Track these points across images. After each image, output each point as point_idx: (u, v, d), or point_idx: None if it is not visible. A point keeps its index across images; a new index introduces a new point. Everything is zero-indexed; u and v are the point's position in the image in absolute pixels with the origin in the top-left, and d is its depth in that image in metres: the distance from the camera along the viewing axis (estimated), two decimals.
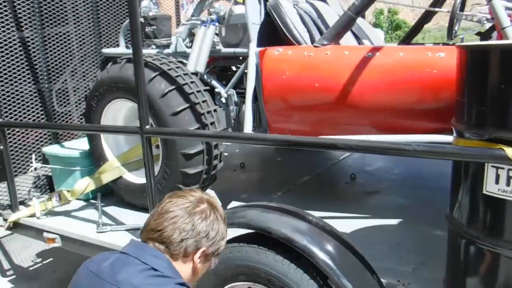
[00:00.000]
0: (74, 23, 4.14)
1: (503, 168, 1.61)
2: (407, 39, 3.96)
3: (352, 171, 3.91)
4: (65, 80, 4.12)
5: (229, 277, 2.20)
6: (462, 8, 3.34)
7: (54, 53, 4.00)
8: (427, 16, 3.79)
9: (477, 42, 2.07)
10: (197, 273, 1.62)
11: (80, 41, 4.21)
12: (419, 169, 3.90)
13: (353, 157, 4.43)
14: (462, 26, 3.44)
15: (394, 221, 2.92)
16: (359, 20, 3.87)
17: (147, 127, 2.57)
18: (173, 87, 3.02)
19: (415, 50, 2.68)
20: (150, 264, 1.46)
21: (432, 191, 3.36)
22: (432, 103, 2.48)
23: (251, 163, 4.53)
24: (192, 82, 3.10)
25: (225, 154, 4.83)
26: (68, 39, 4.11)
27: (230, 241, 2.28)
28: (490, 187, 1.65)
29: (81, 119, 4.18)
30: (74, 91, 4.21)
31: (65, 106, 4.14)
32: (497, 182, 1.62)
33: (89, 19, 4.26)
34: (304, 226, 2.14)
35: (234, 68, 3.83)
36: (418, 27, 3.89)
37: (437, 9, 3.68)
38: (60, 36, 4.03)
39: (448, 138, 1.97)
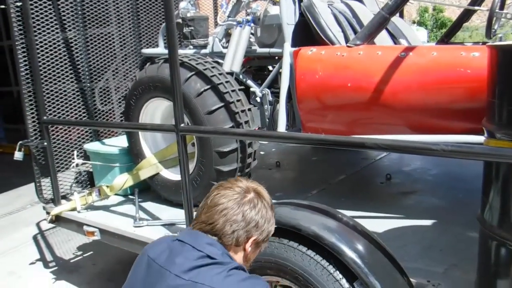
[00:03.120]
0: (117, 24, 4.28)
1: None
2: (446, 38, 3.89)
3: (388, 171, 3.88)
4: (107, 79, 4.26)
5: (258, 270, 2.24)
6: (502, 7, 3.26)
7: (97, 53, 4.14)
8: (466, 15, 3.71)
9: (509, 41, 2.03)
10: (249, 260, 1.69)
11: (122, 41, 4.34)
12: (457, 170, 3.83)
13: (389, 157, 4.39)
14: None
15: (428, 222, 2.89)
16: (396, 19, 3.85)
17: (182, 125, 2.63)
18: (209, 86, 3.09)
19: (449, 50, 2.65)
20: (205, 251, 1.52)
21: (468, 192, 3.30)
22: (465, 103, 2.44)
23: (287, 162, 4.55)
24: (227, 82, 3.16)
25: (261, 153, 4.88)
26: (111, 40, 4.25)
27: None
28: None
29: (122, 117, 4.31)
30: (116, 90, 4.35)
31: (106, 104, 4.28)
32: None
33: (130, 20, 4.39)
34: (334, 224, 2.15)
35: (270, 68, 3.87)
36: (456, 26, 3.83)
37: (476, 8, 3.61)
38: (103, 36, 4.17)
39: (479, 139, 1.95)
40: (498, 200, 1.80)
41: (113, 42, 4.28)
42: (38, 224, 5.16)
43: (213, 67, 3.20)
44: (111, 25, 4.25)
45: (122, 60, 4.35)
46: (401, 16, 4.82)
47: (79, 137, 4.09)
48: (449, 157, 1.72)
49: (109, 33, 4.21)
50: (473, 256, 2.05)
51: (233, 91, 3.15)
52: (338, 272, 2.02)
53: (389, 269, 2.07)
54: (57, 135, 3.90)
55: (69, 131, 4.02)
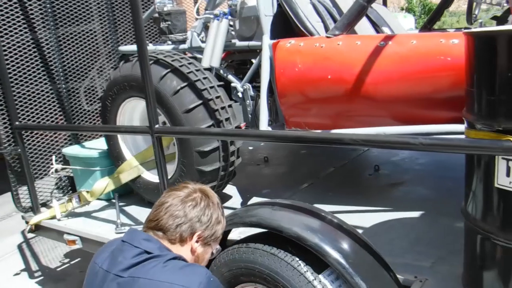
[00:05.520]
0: (99, 21, 4.16)
1: None
2: (428, 25, 3.80)
3: (376, 162, 3.81)
4: (92, 78, 4.14)
5: (233, 279, 2.17)
6: None
7: (73, 52, 4.02)
8: (448, 1, 3.62)
9: (486, 28, 1.95)
10: (199, 258, 1.74)
11: (104, 38, 4.22)
12: (446, 158, 3.75)
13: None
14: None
15: (416, 214, 2.82)
16: (379, 7, 3.77)
17: (157, 126, 2.54)
18: (185, 83, 2.98)
19: (428, 38, 2.56)
20: (142, 247, 1.58)
21: (457, 180, 3.19)
22: (447, 92, 2.36)
23: (275, 157, 4.48)
24: (205, 78, 3.06)
25: (250, 148, 4.80)
26: (87, 37, 4.13)
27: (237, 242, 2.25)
28: (501, 180, 1.55)
29: None
30: (101, 88, 4.23)
31: (92, 104, 4.17)
32: (508, 174, 1.53)
33: (108, 16, 4.27)
34: (317, 223, 2.07)
35: (253, 61, 3.77)
36: (438, 12, 3.74)
37: None
38: (77, 34, 4.04)
39: (462, 128, 1.88)
40: (481, 192, 1.73)
41: (89, 40, 4.15)
42: (23, 232, 5.04)
43: (189, 63, 3.10)
44: (95, 21, 4.13)
45: (108, 58, 4.24)
46: (385, 3, 4.74)
47: (65, 140, 3.98)
48: (428, 151, 1.65)
49: (82, 30, 4.09)
50: (460, 248, 2.00)
51: (211, 87, 3.05)
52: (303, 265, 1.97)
53: (375, 268, 2.00)
54: (42, 139, 3.79)
55: (49, 135, 3.91)
